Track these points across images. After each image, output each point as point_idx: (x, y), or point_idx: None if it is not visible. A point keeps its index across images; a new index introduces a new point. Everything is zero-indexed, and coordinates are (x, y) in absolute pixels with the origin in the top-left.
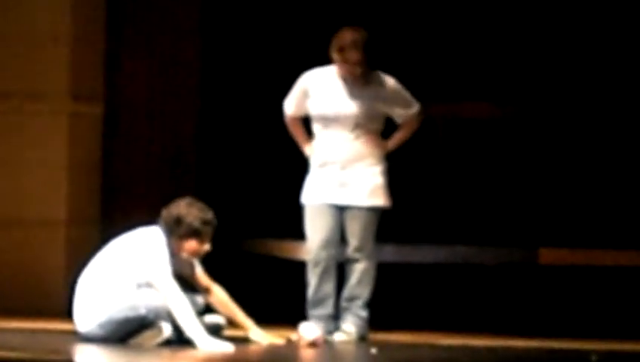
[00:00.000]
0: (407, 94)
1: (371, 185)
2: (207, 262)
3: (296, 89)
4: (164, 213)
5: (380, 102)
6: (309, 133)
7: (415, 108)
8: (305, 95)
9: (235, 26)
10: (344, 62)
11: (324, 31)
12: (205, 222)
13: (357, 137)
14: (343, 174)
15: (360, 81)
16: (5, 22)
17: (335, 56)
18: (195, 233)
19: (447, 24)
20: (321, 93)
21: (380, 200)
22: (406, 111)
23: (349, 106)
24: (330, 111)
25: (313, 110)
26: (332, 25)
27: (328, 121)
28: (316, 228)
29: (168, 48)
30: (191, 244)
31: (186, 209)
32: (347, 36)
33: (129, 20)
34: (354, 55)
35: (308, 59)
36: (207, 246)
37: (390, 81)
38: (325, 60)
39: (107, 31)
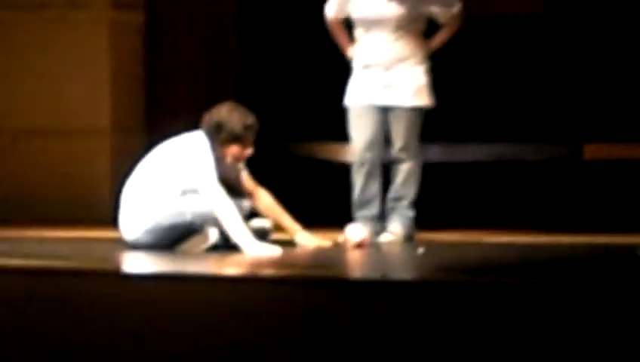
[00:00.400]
0: None
1: (415, 85)
2: (253, 166)
3: None
4: (206, 118)
5: (420, 3)
6: (351, 36)
7: (457, 7)
8: None
9: None
10: None
11: None
12: (246, 127)
13: (399, 38)
14: (386, 75)
15: None
16: None
17: None
18: (236, 138)
19: None
20: None
21: (424, 99)
22: (448, 11)
23: (391, 8)
24: (372, 13)
25: (355, 13)
26: None
27: (371, 23)
28: (360, 129)
29: None
30: (233, 149)
31: (227, 114)
32: None
33: None
34: None
35: None
36: (249, 151)
37: None
38: None
39: None
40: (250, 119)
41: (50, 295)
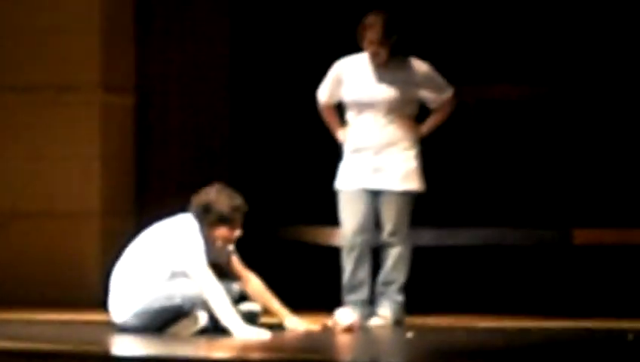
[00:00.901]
0: (440, 79)
1: (405, 170)
2: (243, 249)
3: (330, 76)
4: (194, 200)
5: (412, 87)
6: (342, 121)
7: (448, 92)
8: (338, 82)
9: (267, 14)
10: (367, 43)
11: (356, 18)
12: (234, 208)
13: (390, 122)
14: (376, 159)
15: (392, 66)
16: (36, 14)
17: (360, 39)
18: (224, 220)
19: (478, 6)
20: (354, 79)
21: (414, 184)
22: (439, 96)
23: (383, 91)
24: (364, 96)
25: (347, 96)
26: (364, 12)
27: (362, 106)
28: (351, 213)
29: (199, 37)
30: (222, 231)
31: (215, 196)
32: (368, 17)
33: (158, 10)
34: (374, 34)
35: (340, 47)
36: (238, 233)
37: (423, 66)
38: (357, 49)
39: (136, 21)
40: (238, 200)
41: None
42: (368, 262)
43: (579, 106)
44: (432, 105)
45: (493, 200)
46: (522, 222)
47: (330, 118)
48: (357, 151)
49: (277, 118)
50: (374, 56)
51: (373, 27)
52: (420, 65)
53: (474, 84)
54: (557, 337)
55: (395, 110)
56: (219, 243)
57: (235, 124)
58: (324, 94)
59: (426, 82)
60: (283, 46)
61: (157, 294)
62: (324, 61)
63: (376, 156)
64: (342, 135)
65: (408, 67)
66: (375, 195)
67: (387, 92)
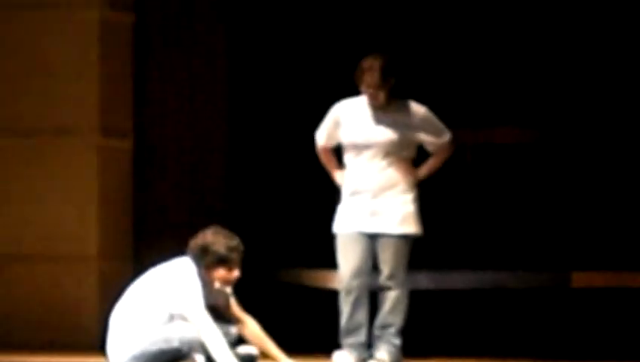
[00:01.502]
0: (438, 122)
1: (402, 213)
2: (240, 291)
3: (328, 119)
4: (191, 243)
5: (411, 130)
6: (341, 163)
7: (447, 136)
8: (336, 125)
9: (263, 58)
10: (365, 86)
11: (353, 61)
12: (232, 249)
13: (388, 165)
14: (374, 203)
15: (391, 109)
16: (34, 57)
17: (358, 82)
18: (222, 261)
19: (475, 50)
20: (352, 121)
21: (412, 227)
22: (437, 140)
23: (381, 133)
24: (361, 139)
25: (345, 138)
26: (362, 55)
27: (360, 148)
28: (348, 256)
29: (196, 81)
30: (220, 273)
31: (212, 237)
32: (366, 60)
33: (156, 55)
34: (371, 78)
35: (337, 89)
36: (236, 273)
37: (421, 110)
38: (356, 91)
39: (134, 65)
40: (235, 241)
41: None
42: (366, 305)
43: (575, 150)
44: (429, 148)
45: (490, 244)
46: (520, 266)
47: (327, 161)
48: (354, 193)
49: (275, 160)
50: (372, 99)
51: (370, 70)
52: (418, 109)
53: (471, 128)
54: None
55: (393, 153)
56: (217, 285)
57: (232, 166)
58: (322, 137)
59: (424, 125)
60: (282, 91)
61: (155, 337)
62: (322, 102)
63: (373, 199)
64: (339, 177)
65: (406, 110)
66: (372, 238)
67: (385, 134)
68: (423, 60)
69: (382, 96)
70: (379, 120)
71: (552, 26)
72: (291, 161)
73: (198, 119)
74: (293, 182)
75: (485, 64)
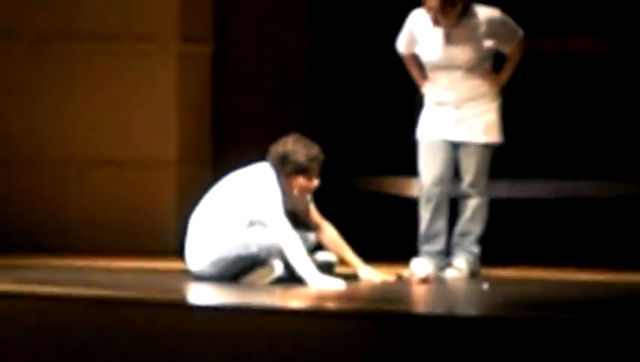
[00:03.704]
0: (509, 23)
1: (486, 122)
2: (319, 199)
3: (405, 29)
4: (271, 151)
5: (486, 41)
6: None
7: (520, 35)
8: (412, 38)
9: None
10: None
11: None
12: (311, 159)
13: (470, 77)
14: (458, 113)
15: (461, 23)
16: None
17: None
18: (301, 170)
19: None
20: (426, 40)
21: (495, 136)
22: (512, 42)
23: (457, 54)
24: (438, 59)
25: (422, 57)
26: None
27: (439, 67)
28: (430, 164)
29: None
30: (299, 181)
31: (292, 146)
32: None
33: None
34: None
35: None
36: (315, 182)
37: (492, 15)
38: None
39: None
40: (315, 150)
41: (116, 325)
42: (445, 213)
43: None
44: (505, 51)
45: (571, 153)
46: (601, 175)
47: (412, 69)
48: (439, 104)
49: (355, 66)
50: (436, 23)
51: None
52: (488, 15)
53: (551, 35)
54: (629, 291)
55: (472, 68)
56: (296, 193)
57: (312, 72)
58: (402, 45)
59: (497, 32)
60: None
61: (233, 243)
62: (404, 5)
63: (457, 110)
64: (425, 87)
65: (477, 20)
66: (455, 147)
67: (462, 54)
68: None
69: (448, 19)
70: (452, 39)
71: None
72: (372, 66)
73: (278, 25)
74: (373, 89)
75: None
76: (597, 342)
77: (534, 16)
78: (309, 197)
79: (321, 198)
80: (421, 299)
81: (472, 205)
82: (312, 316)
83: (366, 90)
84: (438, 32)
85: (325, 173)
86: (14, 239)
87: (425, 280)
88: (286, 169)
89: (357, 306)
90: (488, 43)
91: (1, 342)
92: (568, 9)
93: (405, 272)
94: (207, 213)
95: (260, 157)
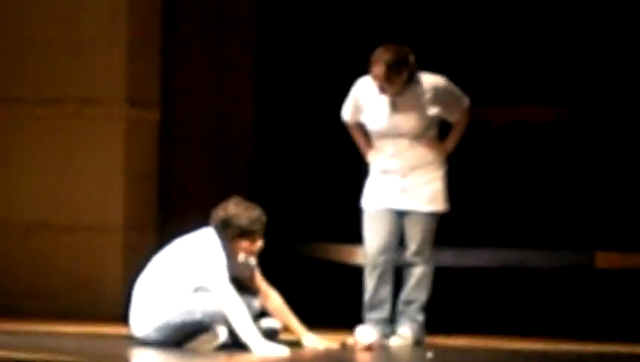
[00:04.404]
0: (455, 91)
1: (431, 191)
2: (263, 264)
3: (350, 98)
4: (213, 216)
5: (430, 108)
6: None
7: (465, 103)
8: (357, 107)
9: (292, 28)
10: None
11: (382, 31)
12: (253, 221)
13: (416, 145)
14: (404, 181)
15: (407, 91)
16: (61, 27)
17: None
18: (244, 233)
19: (503, 26)
20: (371, 108)
21: (440, 205)
22: (457, 110)
23: (403, 122)
24: (383, 127)
25: (368, 125)
26: (389, 26)
27: (384, 135)
28: (375, 232)
29: (224, 52)
30: (243, 244)
31: (233, 210)
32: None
33: (184, 25)
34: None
35: (365, 58)
36: (259, 244)
37: (436, 83)
38: None
39: (162, 36)
40: (257, 212)
41: None
42: (390, 280)
43: (601, 129)
44: (451, 119)
45: (514, 222)
46: (545, 245)
47: (357, 137)
48: (385, 172)
49: (300, 133)
50: (381, 91)
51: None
52: (434, 83)
53: (498, 105)
54: (576, 361)
55: (418, 136)
56: (241, 256)
57: (258, 138)
58: (347, 114)
59: (443, 99)
60: (310, 62)
61: (178, 309)
62: (351, 72)
63: (403, 178)
64: (370, 155)
65: (423, 88)
66: (400, 215)
67: (407, 122)
68: (448, 33)
69: (392, 88)
70: (398, 107)
71: (581, 3)
72: (318, 134)
73: (224, 91)
74: (319, 155)
75: (512, 41)
76: None
77: (481, 85)
78: (254, 263)
79: (265, 264)
80: None
81: (416, 273)
82: None
83: (312, 156)
84: (384, 100)
85: (270, 239)
86: None
87: (369, 348)
88: (229, 233)
89: None
90: (434, 111)
91: None
92: (515, 78)
93: (350, 339)
94: (153, 279)
95: (206, 222)
